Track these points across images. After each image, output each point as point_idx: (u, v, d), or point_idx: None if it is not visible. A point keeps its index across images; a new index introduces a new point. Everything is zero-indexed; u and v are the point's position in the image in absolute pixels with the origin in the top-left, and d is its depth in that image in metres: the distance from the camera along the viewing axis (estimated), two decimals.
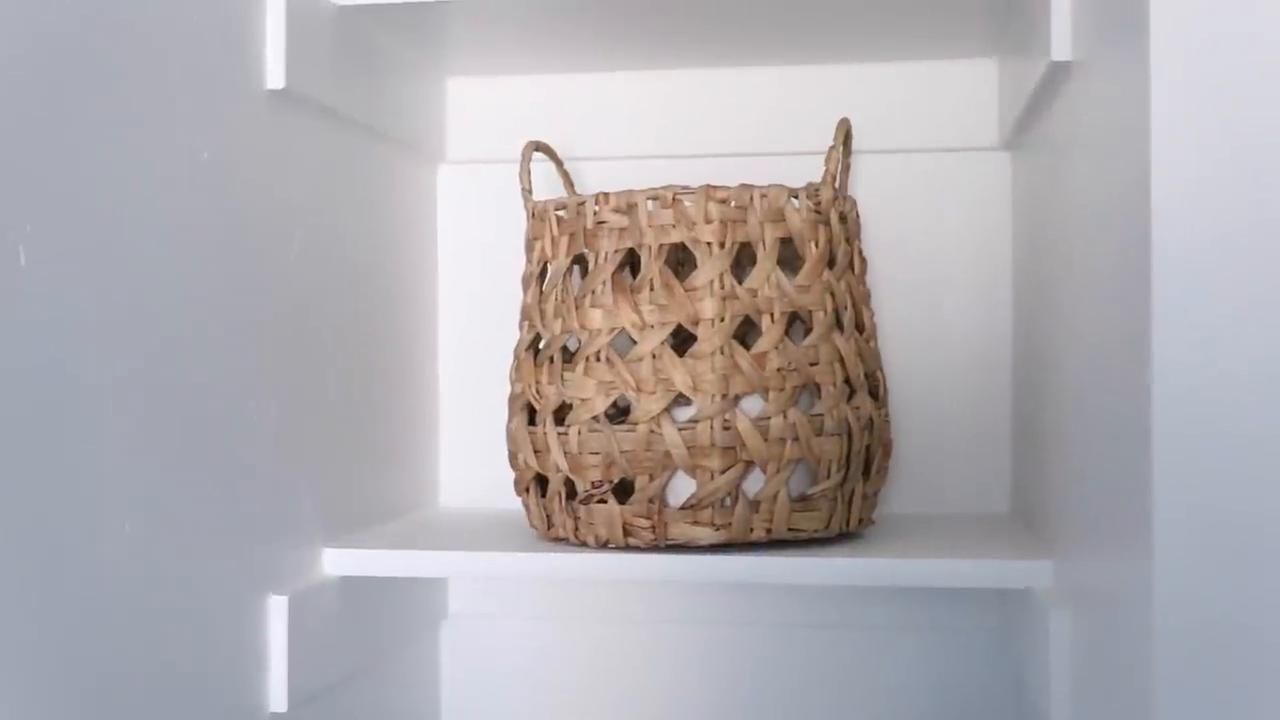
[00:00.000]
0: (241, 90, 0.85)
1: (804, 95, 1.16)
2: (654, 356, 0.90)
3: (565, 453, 0.93)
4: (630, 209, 0.92)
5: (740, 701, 1.18)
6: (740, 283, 0.91)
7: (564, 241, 0.95)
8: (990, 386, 1.14)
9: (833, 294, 0.93)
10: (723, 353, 0.90)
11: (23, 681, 0.63)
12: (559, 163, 1.07)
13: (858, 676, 1.17)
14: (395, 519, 1.11)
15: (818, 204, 0.93)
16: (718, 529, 0.90)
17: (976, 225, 1.14)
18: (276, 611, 0.88)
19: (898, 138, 1.15)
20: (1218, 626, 0.58)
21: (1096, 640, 0.73)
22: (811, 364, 0.91)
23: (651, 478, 0.90)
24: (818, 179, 0.95)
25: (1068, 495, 0.83)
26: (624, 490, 0.93)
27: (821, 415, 0.91)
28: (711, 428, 0.89)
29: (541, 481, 0.97)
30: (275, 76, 0.88)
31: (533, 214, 0.99)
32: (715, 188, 0.91)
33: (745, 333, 0.92)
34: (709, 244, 0.91)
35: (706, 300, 0.90)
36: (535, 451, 0.95)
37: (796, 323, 0.93)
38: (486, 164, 1.20)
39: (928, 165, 1.15)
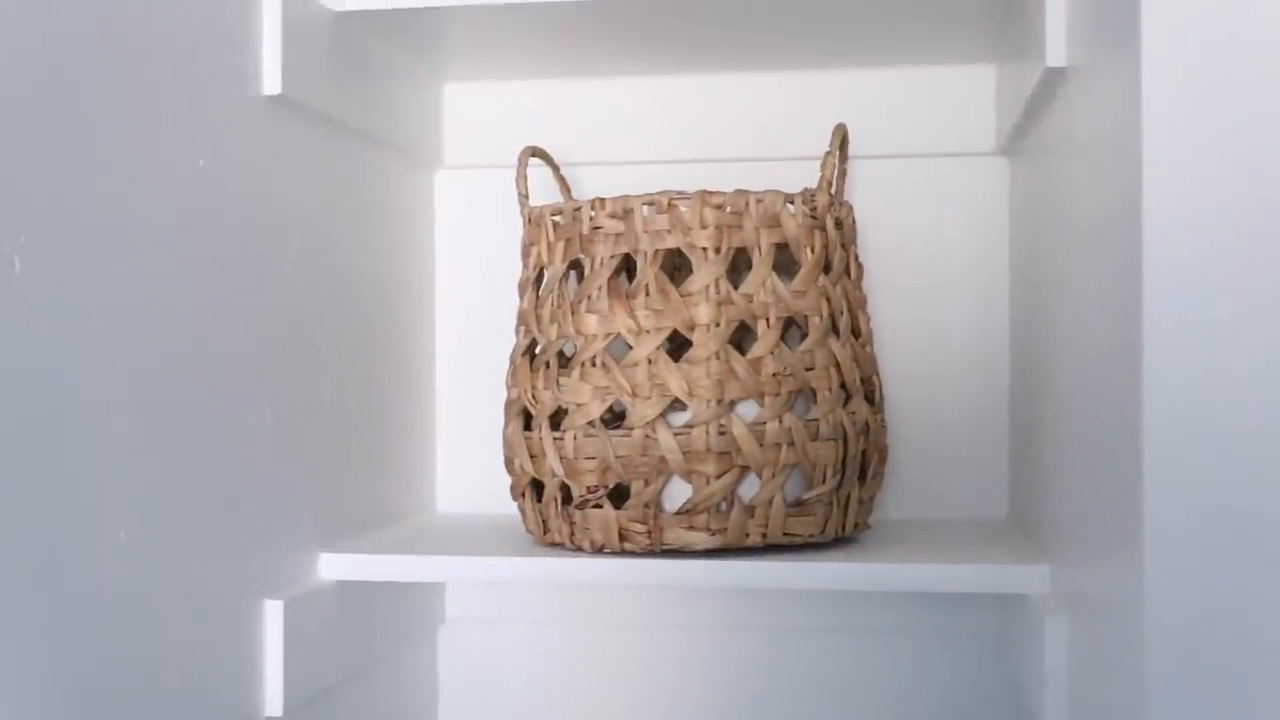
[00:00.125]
0: (238, 96, 0.85)
1: (802, 100, 1.16)
2: (649, 362, 0.90)
3: (561, 458, 0.93)
4: (626, 214, 0.92)
5: (737, 706, 1.18)
6: (736, 288, 0.91)
7: (560, 247, 0.95)
8: (988, 392, 1.14)
9: (828, 299, 0.93)
10: (718, 358, 0.90)
11: (19, 686, 0.63)
12: (555, 168, 1.07)
13: (855, 681, 1.16)
14: (392, 524, 1.11)
15: (814, 209, 0.93)
16: (713, 534, 0.90)
17: (975, 231, 1.14)
18: (272, 616, 0.88)
19: (896, 143, 1.15)
20: (1210, 632, 0.58)
21: (1092, 646, 0.73)
22: (807, 369, 0.91)
23: (647, 483, 0.90)
24: (815, 184, 0.95)
25: (1063, 501, 0.83)
26: (620, 495, 0.93)
27: (817, 420, 0.91)
28: (707, 433, 0.89)
29: (537, 486, 0.97)
30: (272, 82, 0.88)
31: (529, 219, 0.99)
32: (711, 193, 0.91)
33: (741, 338, 0.92)
34: (704, 249, 0.91)
35: (702, 305, 0.90)
36: (531, 456, 0.95)
37: (792, 328, 0.93)
38: (484, 169, 1.20)
39: (926, 170, 1.15)
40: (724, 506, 0.90)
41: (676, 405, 0.91)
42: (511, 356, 0.99)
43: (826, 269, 0.94)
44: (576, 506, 0.93)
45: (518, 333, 0.99)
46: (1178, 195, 0.58)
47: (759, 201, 0.91)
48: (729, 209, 0.91)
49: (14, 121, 0.63)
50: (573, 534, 0.94)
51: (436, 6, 0.95)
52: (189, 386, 0.79)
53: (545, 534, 0.97)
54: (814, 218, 0.93)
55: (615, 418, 0.93)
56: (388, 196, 1.11)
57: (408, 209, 1.16)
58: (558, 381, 0.93)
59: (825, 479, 0.91)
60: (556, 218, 0.96)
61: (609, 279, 0.92)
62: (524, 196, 1.00)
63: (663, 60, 1.13)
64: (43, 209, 0.65)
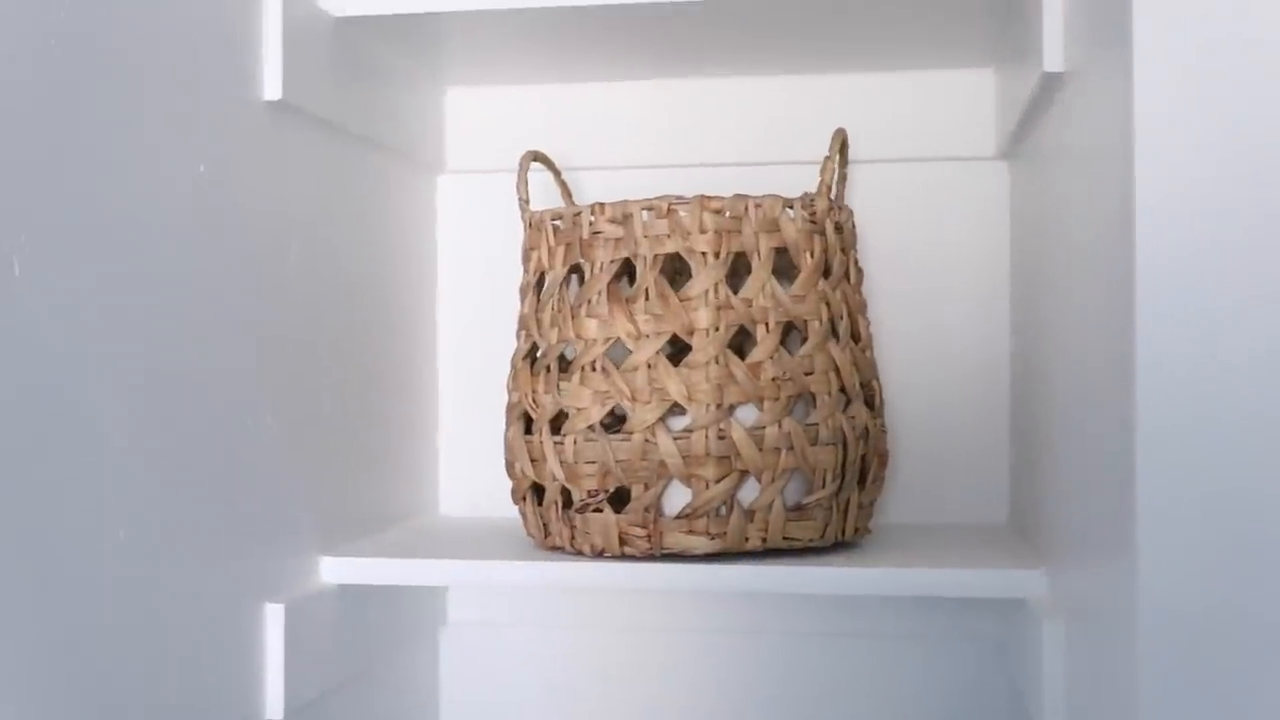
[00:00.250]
0: (238, 102, 0.86)
1: (803, 105, 1.16)
2: (649, 366, 0.91)
3: (561, 462, 0.93)
4: (625, 219, 0.92)
5: (737, 709, 1.18)
6: (735, 293, 0.91)
7: (560, 251, 0.95)
8: (989, 395, 1.14)
9: (828, 304, 0.93)
10: (718, 362, 0.90)
11: (19, 690, 0.64)
12: (557, 173, 1.08)
13: (856, 685, 1.17)
14: (394, 527, 1.11)
15: (813, 214, 0.93)
16: (713, 538, 0.91)
17: (975, 235, 1.14)
18: (273, 619, 0.88)
19: (897, 147, 1.15)
20: (1203, 636, 0.58)
21: (1088, 650, 0.73)
22: (806, 374, 0.91)
23: (647, 487, 0.91)
24: (815, 189, 0.95)
25: (1061, 505, 0.83)
26: (620, 499, 0.93)
27: (816, 425, 0.91)
28: (706, 437, 0.89)
29: (538, 490, 0.97)
30: (272, 88, 0.88)
31: (529, 224, 0.99)
32: (710, 198, 0.91)
33: (740, 342, 0.92)
34: (704, 254, 0.91)
35: (701, 310, 0.90)
36: (532, 460, 0.96)
37: (792, 333, 0.93)
38: (486, 174, 1.21)
39: (926, 175, 1.15)
40: (724, 511, 0.90)
41: (676, 409, 0.91)
42: (512, 360, 0.99)
43: (826, 273, 0.94)
44: (577, 510, 0.93)
45: (518, 337, 0.99)
46: (1170, 200, 0.58)
47: (758, 206, 0.92)
48: (728, 214, 0.91)
49: (14, 125, 0.64)
50: (573, 538, 0.94)
51: (437, 12, 0.96)
52: (190, 390, 0.79)
53: (546, 538, 0.97)
54: (813, 222, 0.93)
55: (615, 422, 0.94)
56: (389, 201, 1.12)
57: (409, 213, 1.16)
58: (558, 386, 0.94)
59: (825, 483, 0.92)
60: (557, 222, 0.96)
61: (609, 283, 0.92)
62: (525, 201, 1.01)
63: (663, 65, 1.13)
64: (42, 213, 0.66)
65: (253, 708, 0.87)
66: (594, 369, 0.92)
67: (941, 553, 0.95)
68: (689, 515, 0.90)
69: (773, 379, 0.90)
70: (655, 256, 0.92)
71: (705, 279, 0.91)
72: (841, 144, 0.97)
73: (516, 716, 1.22)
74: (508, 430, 0.99)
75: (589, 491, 0.92)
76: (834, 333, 0.93)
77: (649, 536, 0.91)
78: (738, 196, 0.92)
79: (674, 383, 0.90)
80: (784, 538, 0.91)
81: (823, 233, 0.93)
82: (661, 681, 1.19)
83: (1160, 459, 0.58)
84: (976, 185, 1.14)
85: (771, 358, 0.90)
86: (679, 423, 0.91)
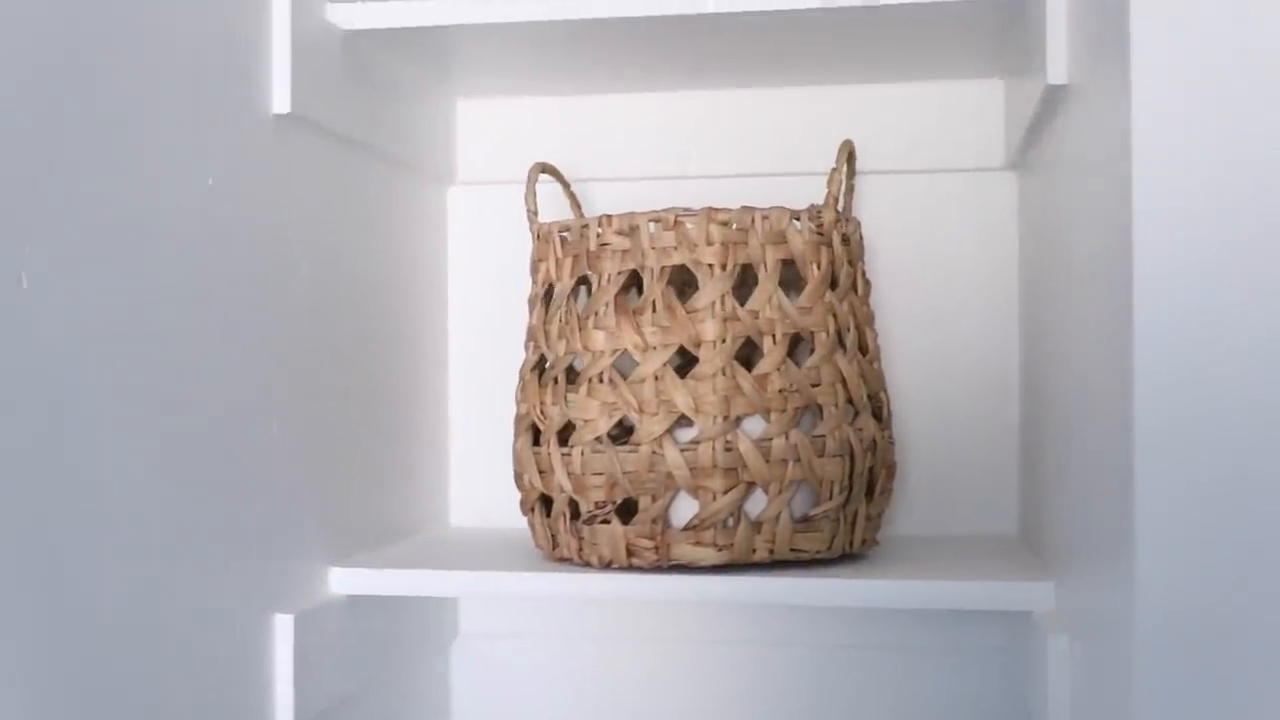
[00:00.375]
0: (247, 115, 0.86)
1: (812, 116, 1.16)
2: (656, 378, 0.91)
3: (569, 473, 0.93)
4: (632, 231, 0.93)
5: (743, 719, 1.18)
6: (742, 304, 0.91)
7: (568, 263, 0.96)
8: (998, 407, 1.14)
9: (835, 315, 0.93)
10: (724, 374, 0.90)
11: (28, 700, 0.64)
12: (565, 184, 1.08)
13: (864, 697, 1.16)
14: (404, 538, 1.12)
15: (820, 226, 0.93)
16: (720, 550, 0.91)
17: (984, 246, 1.14)
18: (282, 631, 0.89)
19: (906, 158, 1.15)
20: (1201, 650, 0.58)
21: (1091, 665, 0.73)
22: (813, 385, 0.91)
23: (654, 498, 0.91)
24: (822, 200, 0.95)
25: (1067, 518, 0.83)
26: (627, 511, 0.93)
27: (824, 436, 0.91)
28: (713, 449, 0.90)
29: (546, 502, 0.97)
30: (281, 101, 0.89)
31: (537, 236, 0.99)
32: (716, 210, 0.91)
33: (747, 354, 0.92)
34: (710, 266, 0.91)
35: (708, 322, 0.90)
36: (540, 472, 0.96)
37: (799, 344, 0.94)
38: (496, 185, 1.21)
39: (936, 186, 1.15)
40: (731, 522, 0.90)
41: (683, 421, 0.91)
42: (521, 372, 1.00)
43: (833, 285, 0.94)
44: (585, 522, 0.93)
45: (527, 348, 1.00)
46: (1168, 211, 0.58)
47: (765, 218, 0.92)
48: (735, 226, 0.91)
49: (23, 139, 0.64)
50: (581, 549, 0.94)
51: (445, 25, 0.96)
52: (198, 402, 0.80)
53: (554, 549, 0.97)
54: (820, 234, 0.93)
55: (623, 433, 0.94)
56: (399, 213, 1.12)
57: (420, 225, 1.17)
58: (565, 397, 0.94)
59: (832, 495, 0.92)
60: (564, 234, 0.97)
61: (616, 295, 0.93)
62: (533, 213, 1.01)
63: (673, 76, 1.13)
64: (51, 226, 0.66)
65: (262, 719, 0.87)
66: (601, 380, 0.92)
67: (948, 565, 0.95)
68: (696, 527, 0.91)
69: (780, 391, 0.90)
70: (662, 268, 0.92)
71: (712, 291, 0.91)
72: (849, 155, 0.97)
73: None
74: (516, 441, 0.99)
75: (596, 503, 0.92)
76: (841, 344, 0.93)
77: (656, 548, 0.91)
78: (744, 208, 0.92)
79: (681, 394, 0.90)
80: (791, 549, 0.91)
81: (829, 244, 0.93)
82: (670, 693, 1.19)
83: (1158, 470, 0.58)
84: (985, 196, 1.14)
85: (778, 369, 0.91)
86: (686, 434, 0.91)
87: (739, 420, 0.90)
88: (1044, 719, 0.82)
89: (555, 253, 0.97)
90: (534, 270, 1.00)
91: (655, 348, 0.91)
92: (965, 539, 1.10)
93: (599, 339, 0.93)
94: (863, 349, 0.96)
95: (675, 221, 0.92)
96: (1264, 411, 0.57)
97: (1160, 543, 0.58)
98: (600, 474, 0.92)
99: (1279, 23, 0.57)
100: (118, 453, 0.72)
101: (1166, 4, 0.58)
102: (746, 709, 1.18)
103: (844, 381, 0.93)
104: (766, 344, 0.91)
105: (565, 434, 0.95)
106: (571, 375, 0.95)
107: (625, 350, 0.92)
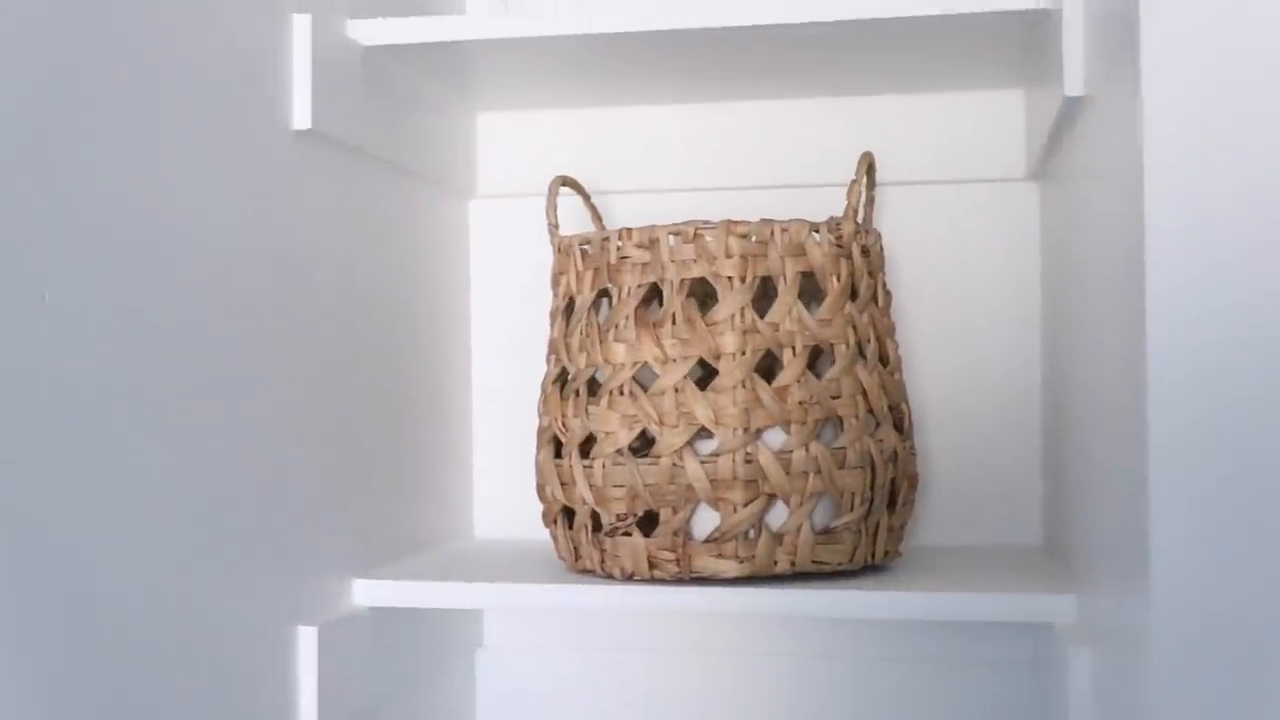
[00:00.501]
0: (267, 131, 0.87)
1: (835, 127, 1.16)
2: (676, 390, 0.91)
3: (590, 485, 0.94)
4: (652, 244, 0.93)
5: None
6: (762, 316, 0.91)
7: (589, 276, 0.96)
8: (1021, 417, 1.14)
9: (855, 327, 0.93)
10: (744, 386, 0.90)
11: (53, 711, 0.65)
12: (586, 197, 1.08)
13: (884, 707, 1.16)
14: (428, 550, 1.12)
15: (839, 238, 0.93)
16: (741, 562, 0.91)
17: (1007, 256, 1.14)
18: (306, 642, 0.89)
19: (928, 169, 1.15)
20: (1217, 661, 0.58)
21: (1112, 677, 0.72)
22: (833, 397, 0.91)
23: (675, 511, 0.91)
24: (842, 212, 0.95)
25: (1089, 529, 0.83)
26: (649, 523, 0.93)
27: (844, 448, 0.91)
28: (733, 461, 0.90)
29: (569, 514, 0.98)
30: (302, 117, 0.89)
31: (558, 249, 1.00)
32: (736, 223, 0.91)
33: (768, 366, 0.92)
34: (730, 278, 0.91)
35: (728, 334, 0.91)
36: (562, 484, 0.96)
37: (819, 356, 0.94)
38: (518, 198, 1.22)
39: (959, 196, 1.15)
40: (752, 534, 0.91)
41: (703, 433, 0.91)
42: (543, 384, 1.00)
43: (853, 297, 0.94)
44: (606, 534, 0.94)
45: (548, 361, 1.00)
46: (1180, 223, 0.58)
47: (784, 230, 0.92)
48: (754, 238, 0.92)
49: (44, 155, 0.65)
50: (603, 561, 0.95)
51: (465, 40, 0.96)
52: (222, 416, 0.80)
53: (577, 561, 0.97)
54: (840, 246, 0.93)
55: (644, 445, 0.94)
56: (421, 226, 1.13)
57: (441, 238, 1.17)
58: (587, 410, 0.94)
59: (853, 507, 0.92)
60: (585, 247, 0.97)
61: (636, 308, 0.93)
62: (554, 226, 1.01)
63: (694, 89, 1.14)
64: (73, 242, 0.67)
65: None
66: (622, 393, 0.93)
67: (970, 576, 0.95)
68: (717, 539, 0.91)
69: (800, 402, 0.90)
70: (682, 281, 0.92)
71: (731, 303, 0.91)
72: (868, 167, 0.97)
73: None
74: (538, 454, 0.99)
75: (618, 515, 0.93)
76: (861, 356, 0.93)
77: (678, 560, 0.91)
78: (763, 221, 0.92)
79: (701, 407, 0.90)
80: (813, 561, 0.91)
81: (849, 256, 0.93)
82: (691, 704, 1.19)
83: (1172, 480, 0.58)
84: (1008, 206, 1.14)
85: (798, 381, 0.91)
86: (706, 446, 0.91)
87: (759, 432, 0.90)
88: None
89: (576, 266, 0.97)
90: (555, 283, 1.00)
91: (675, 360, 0.91)
92: (989, 550, 1.10)
93: (619, 351, 0.93)
94: (883, 360, 0.96)
95: (695, 234, 0.92)
96: (1278, 421, 0.57)
97: (1175, 554, 0.58)
98: (621, 486, 0.92)
99: None
100: (141, 466, 0.72)
101: (1177, 16, 0.58)
102: (768, 719, 1.18)
103: (864, 393, 0.93)
104: (786, 356, 0.91)
105: (587, 446, 0.95)
106: (593, 388, 0.96)
107: (645, 363, 0.92)
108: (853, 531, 0.92)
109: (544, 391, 1.00)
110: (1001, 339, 1.14)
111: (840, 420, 0.92)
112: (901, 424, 0.97)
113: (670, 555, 0.92)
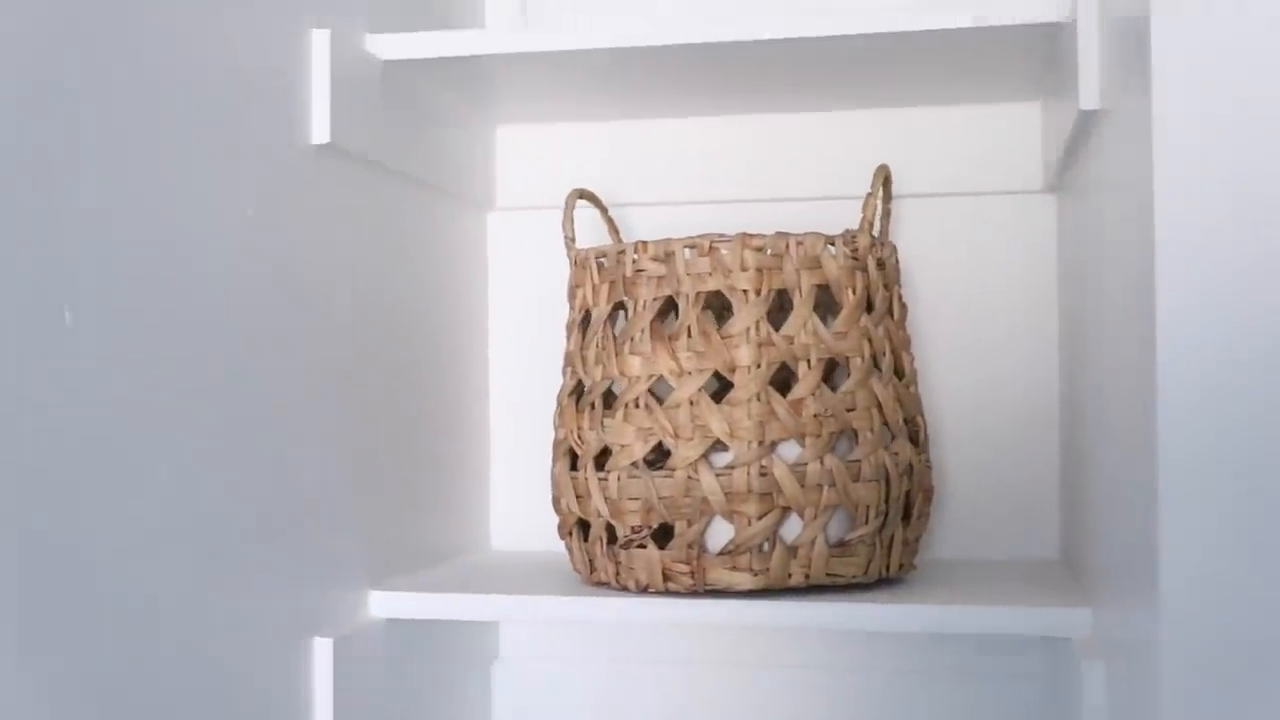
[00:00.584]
0: (286, 146, 0.87)
1: (852, 140, 1.16)
2: (691, 403, 0.91)
3: (606, 498, 0.94)
4: (668, 257, 0.93)
5: None
6: (777, 329, 0.91)
7: (605, 289, 0.96)
8: (1038, 430, 1.13)
9: (870, 340, 0.93)
10: (759, 399, 0.90)
11: None
12: (604, 209, 1.09)
13: None
14: (444, 562, 1.12)
15: (855, 250, 0.93)
16: (756, 574, 0.91)
17: (1024, 268, 1.14)
18: (321, 654, 0.89)
19: (945, 182, 1.15)
20: (1227, 675, 0.58)
21: (1125, 693, 0.72)
22: (849, 410, 0.91)
23: (690, 523, 0.91)
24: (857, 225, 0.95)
25: (1103, 543, 0.83)
26: (664, 535, 0.93)
27: (859, 461, 0.91)
28: (748, 474, 0.90)
29: (584, 526, 0.98)
30: (321, 131, 0.90)
31: (575, 262, 1.00)
32: (751, 236, 0.92)
33: (783, 379, 0.92)
34: (745, 291, 0.91)
35: (743, 347, 0.91)
36: (577, 496, 0.96)
37: (835, 369, 0.94)
38: (536, 210, 1.22)
39: (976, 209, 1.15)
40: (766, 547, 0.91)
41: (718, 446, 0.91)
42: (559, 397, 1.00)
43: (869, 309, 0.94)
44: (621, 546, 0.94)
45: (564, 373, 1.00)
46: (1190, 239, 0.58)
47: (799, 243, 0.92)
48: (769, 251, 0.92)
49: (64, 173, 0.66)
50: (618, 573, 0.95)
51: (482, 54, 0.97)
52: (239, 429, 0.81)
53: (592, 573, 0.98)
54: (855, 259, 0.93)
55: (659, 458, 0.94)
56: (440, 239, 1.13)
57: (460, 251, 1.18)
58: (602, 422, 0.95)
59: (868, 520, 0.92)
60: (601, 260, 0.97)
61: (651, 321, 0.93)
62: (570, 239, 1.02)
63: (710, 102, 1.14)
64: (93, 260, 0.67)
65: None
66: (637, 405, 0.93)
67: (985, 590, 0.95)
68: (732, 551, 0.91)
69: (814, 415, 0.90)
70: (697, 294, 0.92)
71: (747, 316, 0.91)
72: (885, 180, 0.97)
73: None
74: (554, 466, 0.99)
75: (633, 527, 0.93)
76: (877, 368, 0.93)
77: (692, 573, 0.92)
78: (779, 234, 0.92)
79: (716, 419, 0.90)
80: (827, 574, 0.91)
81: (865, 269, 0.94)
82: (706, 716, 1.19)
83: (1182, 496, 0.58)
84: (1025, 219, 1.14)
85: (813, 394, 0.91)
86: (721, 459, 0.91)
87: (774, 445, 0.90)
88: None
89: (592, 278, 0.98)
90: (571, 296, 1.00)
91: (690, 373, 0.92)
92: (1005, 564, 1.09)
93: (635, 364, 0.93)
94: (899, 373, 0.96)
95: (710, 247, 0.92)
96: None
97: (1185, 568, 0.58)
98: (636, 499, 0.92)
99: None
100: (159, 479, 0.73)
101: (1188, 29, 0.58)
102: None
103: (879, 406, 0.93)
104: (801, 369, 0.91)
105: (602, 459, 0.95)
106: (608, 400, 0.96)
107: (661, 375, 0.92)
108: (867, 544, 0.92)
109: (560, 404, 1.00)
110: (1019, 352, 1.14)
111: (855, 433, 0.92)
112: (917, 437, 0.97)
113: (685, 568, 0.92)
